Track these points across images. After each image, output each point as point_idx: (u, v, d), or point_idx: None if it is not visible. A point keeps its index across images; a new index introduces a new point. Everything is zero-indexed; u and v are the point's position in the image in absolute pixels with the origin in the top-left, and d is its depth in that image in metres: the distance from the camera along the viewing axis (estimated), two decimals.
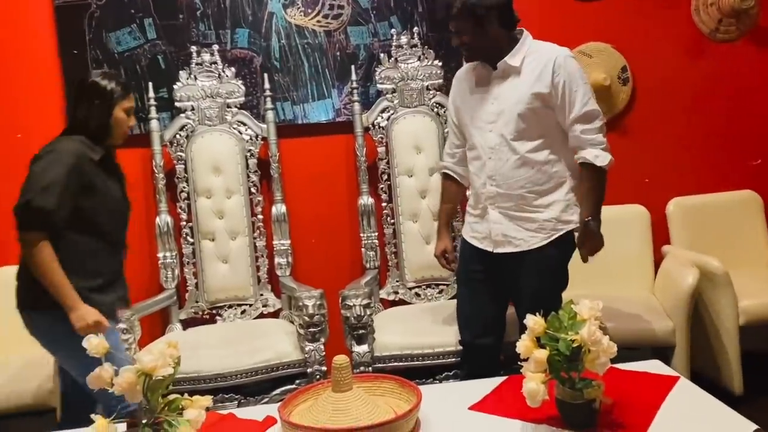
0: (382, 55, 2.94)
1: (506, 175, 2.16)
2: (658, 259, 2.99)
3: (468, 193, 2.38)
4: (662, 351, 2.55)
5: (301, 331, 2.45)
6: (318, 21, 2.96)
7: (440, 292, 2.95)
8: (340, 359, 1.60)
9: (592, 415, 1.51)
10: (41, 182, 1.94)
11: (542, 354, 1.48)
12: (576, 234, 2.19)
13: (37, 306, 2.02)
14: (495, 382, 1.83)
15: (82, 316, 1.95)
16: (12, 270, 2.76)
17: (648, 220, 3.03)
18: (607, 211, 2.90)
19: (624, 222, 2.99)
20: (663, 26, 3.12)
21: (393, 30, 2.96)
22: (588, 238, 2.14)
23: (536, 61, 2.12)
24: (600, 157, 2.11)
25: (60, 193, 1.94)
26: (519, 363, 1.54)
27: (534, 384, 1.47)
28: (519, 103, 2.12)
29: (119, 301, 2.15)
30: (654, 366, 1.89)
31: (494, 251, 2.22)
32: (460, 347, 2.41)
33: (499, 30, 2.13)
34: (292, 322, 2.72)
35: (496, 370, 2.08)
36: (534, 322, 1.52)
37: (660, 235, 3.05)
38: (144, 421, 1.44)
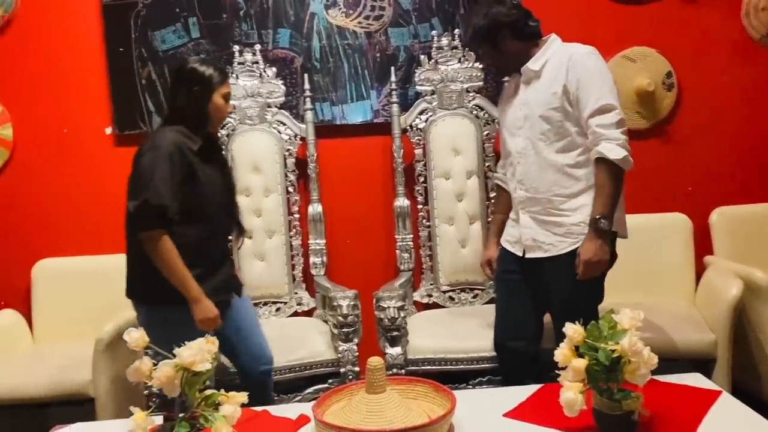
0: (422, 56, 2.94)
1: (533, 178, 2.14)
2: (700, 270, 2.91)
3: None
4: (703, 364, 2.48)
5: (335, 331, 2.46)
6: (359, 22, 2.97)
7: (475, 296, 2.93)
8: (375, 361, 1.60)
9: (630, 427, 1.48)
10: (153, 179, 1.92)
11: (581, 363, 1.46)
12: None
13: (152, 302, 2.02)
14: (530, 389, 1.81)
15: (204, 310, 1.96)
16: (48, 262, 2.89)
17: (690, 230, 2.96)
18: (649, 219, 2.91)
19: (666, 231, 2.93)
20: (711, 31, 3.04)
21: (434, 32, 2.94)
22: (594, 242, 2.00)
23: (556, 62, 2.11)
24: (614, 151, 1.98)
25: (171, 186, 1.93)
26: (557, 371, 1.52)
27: (572, 393, 1.45)
28: (541, 106, 2.10)
29: (216, 290, 2.09)
30: (695, 379, 1.84)
31: (525, 256, 2.20)
32: (495, 352, 2.39)
33: (516, 44, 2.15)
34: (325, 322, 2.73)
35: (531, 375, 2.05)
36: (573, 330, 1.49)
37: (703, 245, 2.97)
38: (181, 415, 1.47)
